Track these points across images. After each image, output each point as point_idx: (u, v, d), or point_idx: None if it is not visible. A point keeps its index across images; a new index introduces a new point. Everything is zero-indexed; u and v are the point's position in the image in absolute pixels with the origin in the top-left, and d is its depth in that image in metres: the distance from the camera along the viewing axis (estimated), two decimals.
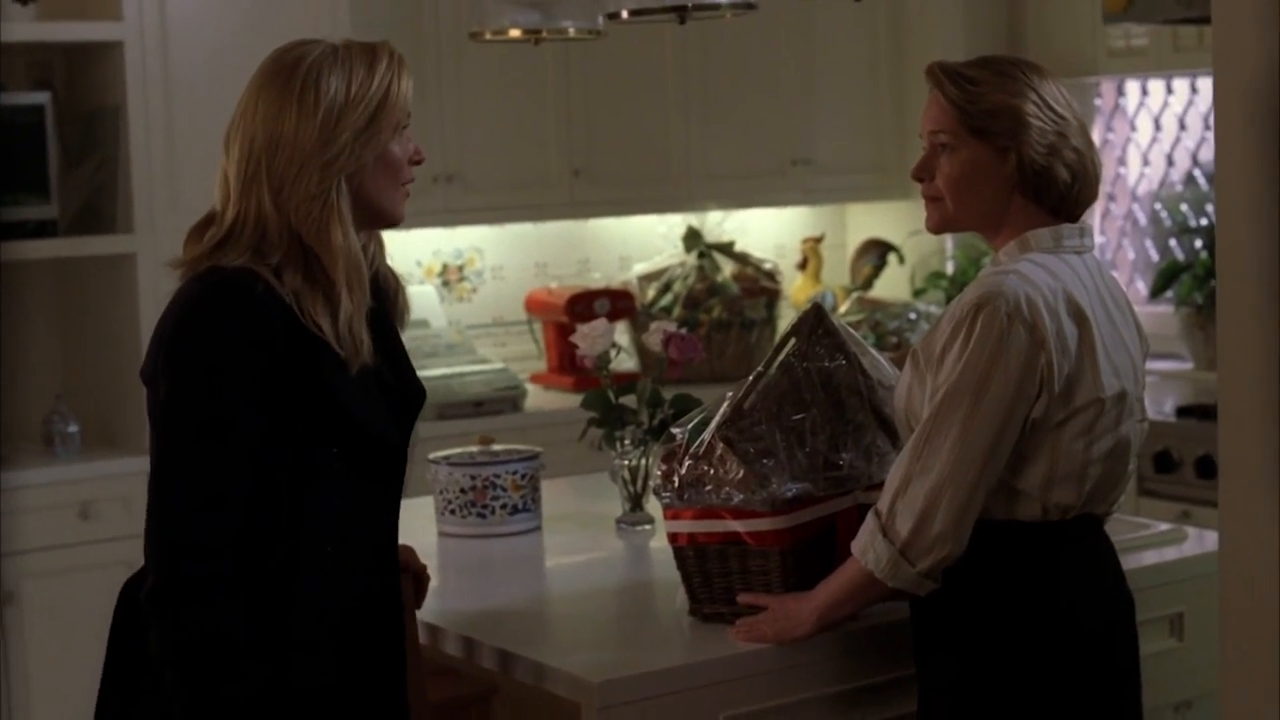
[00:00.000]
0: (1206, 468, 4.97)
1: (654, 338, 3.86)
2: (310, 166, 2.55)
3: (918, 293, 6.52)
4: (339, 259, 2.54)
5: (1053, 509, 2.83)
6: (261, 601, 2.50)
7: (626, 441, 3.81)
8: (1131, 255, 6.56)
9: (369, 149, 2.59)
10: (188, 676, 2.47)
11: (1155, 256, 6.49)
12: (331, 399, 2.55)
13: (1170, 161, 6.45)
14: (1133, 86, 6.53)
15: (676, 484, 3.06)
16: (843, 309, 6.36)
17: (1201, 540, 3.59)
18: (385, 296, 2.74)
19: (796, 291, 6.66)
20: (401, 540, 2.85)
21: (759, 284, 6.33)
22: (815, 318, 3.17)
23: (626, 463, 3.83)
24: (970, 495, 2.76)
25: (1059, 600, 2.84)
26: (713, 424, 3.06)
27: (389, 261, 2.78)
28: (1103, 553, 2.96)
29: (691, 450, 3.05)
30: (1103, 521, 2.97)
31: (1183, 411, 5.18)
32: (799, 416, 3.05)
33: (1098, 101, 6.56)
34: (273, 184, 2.56)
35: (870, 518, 2.84)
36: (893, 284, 6.65)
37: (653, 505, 3.84)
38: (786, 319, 6.51)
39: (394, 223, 2.68)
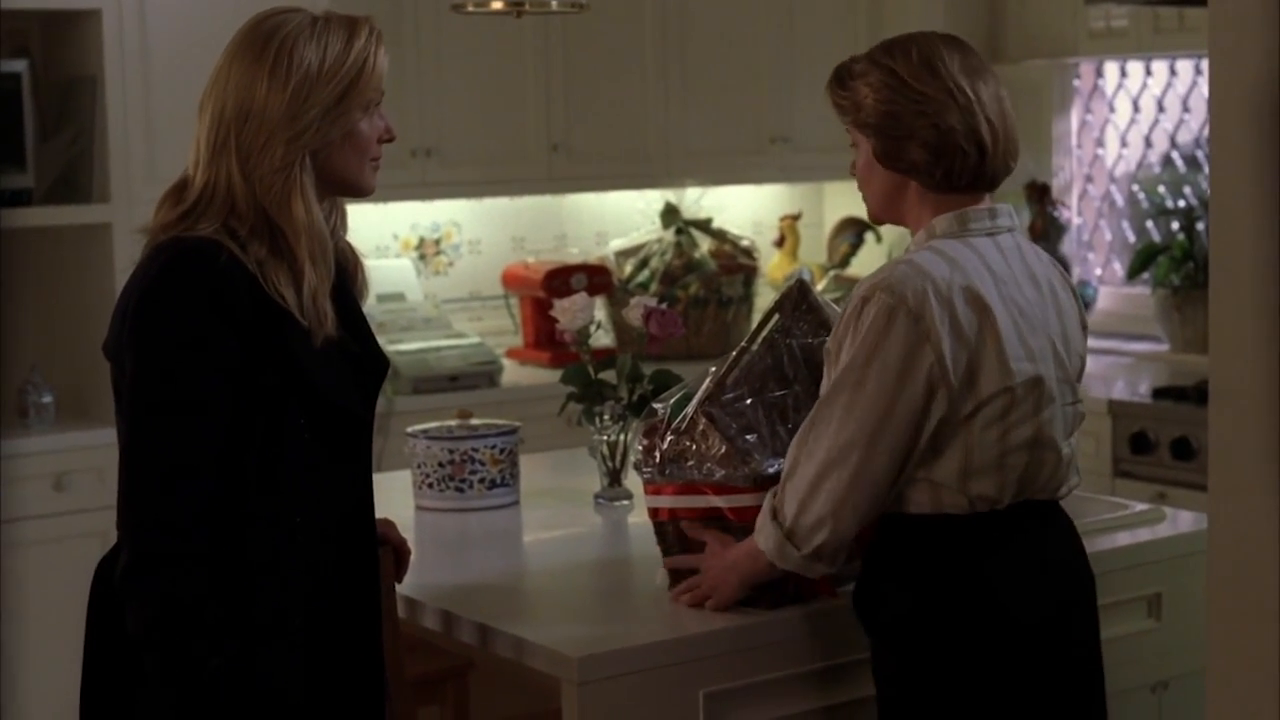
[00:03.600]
0: (1182, 449, 4.98)
1: (634, 313, 3.85)
2: (276, 139, 2.54)
3: None
4: (301, 232, 2.54)
5: (977, 501, 2.77)
6: (233, 573, 2.49)
7: (605, 417, 3.80)
8: (1109, 237, 6.56)
9: (336, 126, 2.58)
10: (164, 650, 2.47)
11: (1132, 238, 6.50)
12: (297, 369, 2.54)
13: (1148, 143, 6.45)
14: (1111, 68, 6.53)
15: (658, 459, 3.07)
16: (820, 286, 6.34)
17: (1178, 521, 3.59)
18: (345, 270, 2.73)
19: (774, 269, 6.65)
20: (379, 514, 2.85)
21: (736, 261, 6.32)
22: (799, 293, 3.15)
23: (605, 438, 3.82)
24: (852, 483, 2.74)
25: (988, 593, 2.78)
26: (695, 399, 3.06)
27: (349, 237, 2.78)
28: (1049, 541, 2.87)
29: (673, 426, 3.06)
30: (1051, 507, 2.89)
31: (1159, 393, 5.19)
32: (781, 393, 3.05)
33: (1076, 83, 6.56)
34: (240, 154, 2.55)
35: (767, 499, 2.87)
36: (870, 262, 6.63)
37: (631, 481, 3.84)
38: (764, 296, 6.50)
39: (364, 194, 2.67)
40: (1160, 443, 5.05)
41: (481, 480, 3.80)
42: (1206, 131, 6.20)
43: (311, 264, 2.54)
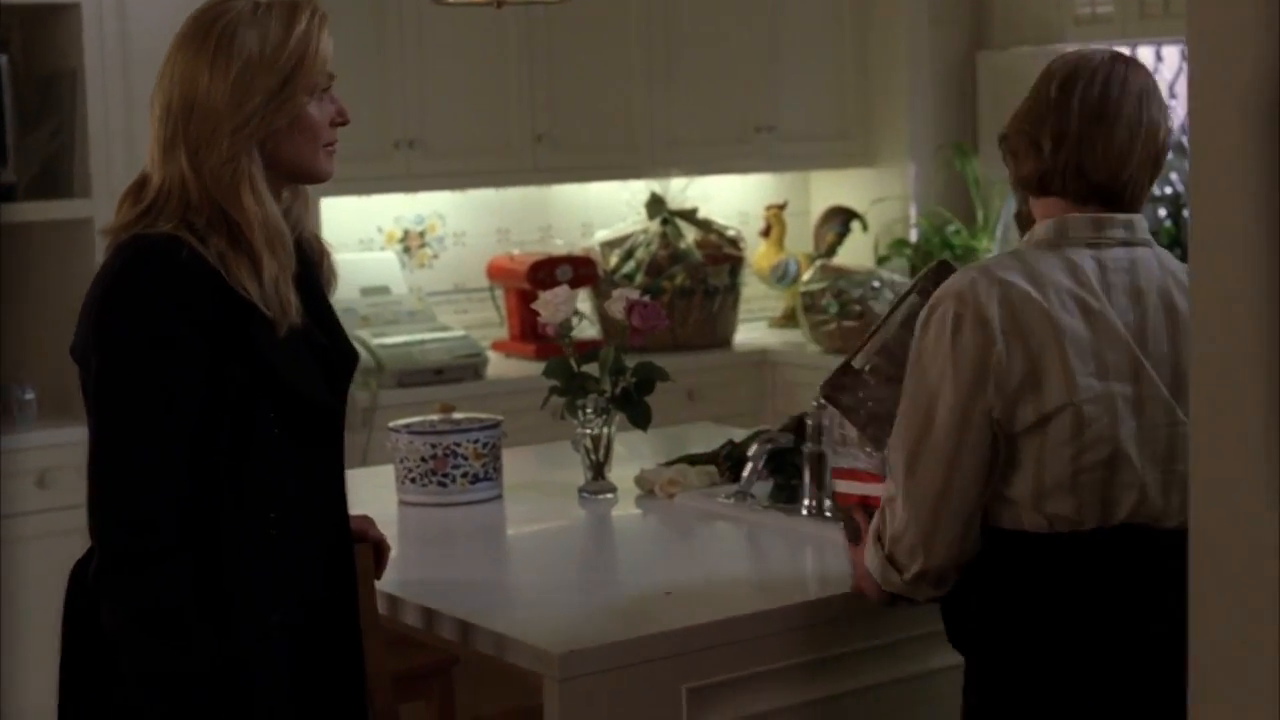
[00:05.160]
0: None
1: (617, 305, 3.83)
2: (222, 130, 2.52)
3: (881, 260, 6.50)
4: (253, 223, 2.51)
5: (1056, 520, 2.68)
6: (208, 572, 2.48)
7: (588, 410, 3.78)
8: None
9: (282, 113, 2.56)
10: (138, 650, 2.45)
11: None
12: (263, 362, 2.52)
13: None
14: None
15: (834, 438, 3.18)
16: (806, 276, 6.34)
17: None
18: (311, 261, 2.71)
19: (760, 259, 6.63)
20: (361, 509, 2.83)
21: (722, 251, 6.30)
22: (939, 273, 3.02)
23: (589, 431, 3.80)
24: (935, 507, 2.70)
25: (1061, 618, 2.70)
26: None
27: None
28: (1139, 572, 2.70)
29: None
30: (1157, 535, 2.70)
31: None
32: None
33: None
34: (189, 147, 2.53)
35: (876, 515, 2.85)
36: (856, 251, 6.62)
37: (615, 474, 3.83)
38: (750, 286, 6.49)
39: (320, 180, 2.65)
40: None
41: (464, 475, 3.78)
42: None
43: (270, 253, 2.52)
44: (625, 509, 3.76)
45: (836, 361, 5.93)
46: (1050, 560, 2.70)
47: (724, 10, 6.33)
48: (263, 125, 2.54)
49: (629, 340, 3.81)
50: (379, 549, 2.94)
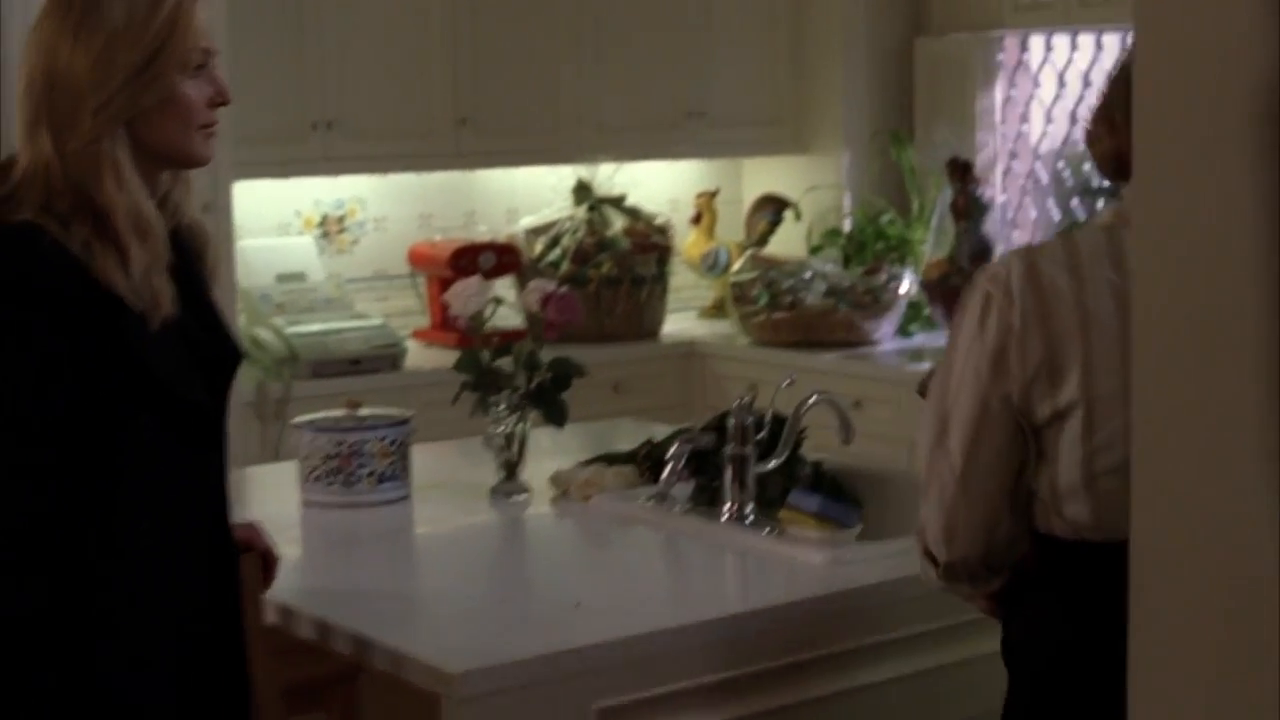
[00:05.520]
0: None
1: (531, 297, 3.65)
2: (84, 109, 2.33)
3: (814, 250, 6.34)
4: (117, 211, 2.32)
5: (1078, 526, 2.50)
6: (75, 584, 2.29)
7: (502, 407, 3.61)
8: (1034, 214, 6.40)
9: (150, 92, 2.37)
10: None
11: (1057, 216, 6.34)
12: (133, 358, 2.33)
13: (1074, 119, 6.29)
14: (1037, 41, 6.36)
15: None
16: (736, 266, 6.16)
17: None
18: (191, 251, 2.51)
19: (689, 247, 6.46)
20: (264, 508, 2.65)
21: (650, 239, 6.12)
22: None
23: (502, 429, 3.62)
24: (956, 496, 2.53)
25: (1062, 632, 2.54)
26: None
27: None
28: (1101, 591, 2.42)
29: None
30: None
31: None
32: None
33: (1001, 56, 6.38)
34: (52, 127, 2.34)
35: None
36: (788, 241, 6.46)
37: (530, 473, 3.65)
38: (679, 275, 6.32)
39: (195, 164, 2.47)
40: None
41: (370, 474, 3.59)
42: None
43: (139, 243, 2.32)
44: (538, 511, 3.58)
45: (767, 354, 5.86)
46: (1073, 570, 2.53)
47: None
48: (129, 105, 2.35)
49: (544, 334, 3.63)
50: (266, 558, 2.75)
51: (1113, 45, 6.13)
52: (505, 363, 3.64)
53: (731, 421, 3.36)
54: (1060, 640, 2.52)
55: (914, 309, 5.97)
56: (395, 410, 3.74)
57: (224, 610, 2.53)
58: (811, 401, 3.43)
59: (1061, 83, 6.32)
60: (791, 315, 5.84)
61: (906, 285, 5.89)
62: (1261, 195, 1.46)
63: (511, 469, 3.64)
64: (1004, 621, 2.64)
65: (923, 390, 2.73)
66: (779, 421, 3.48)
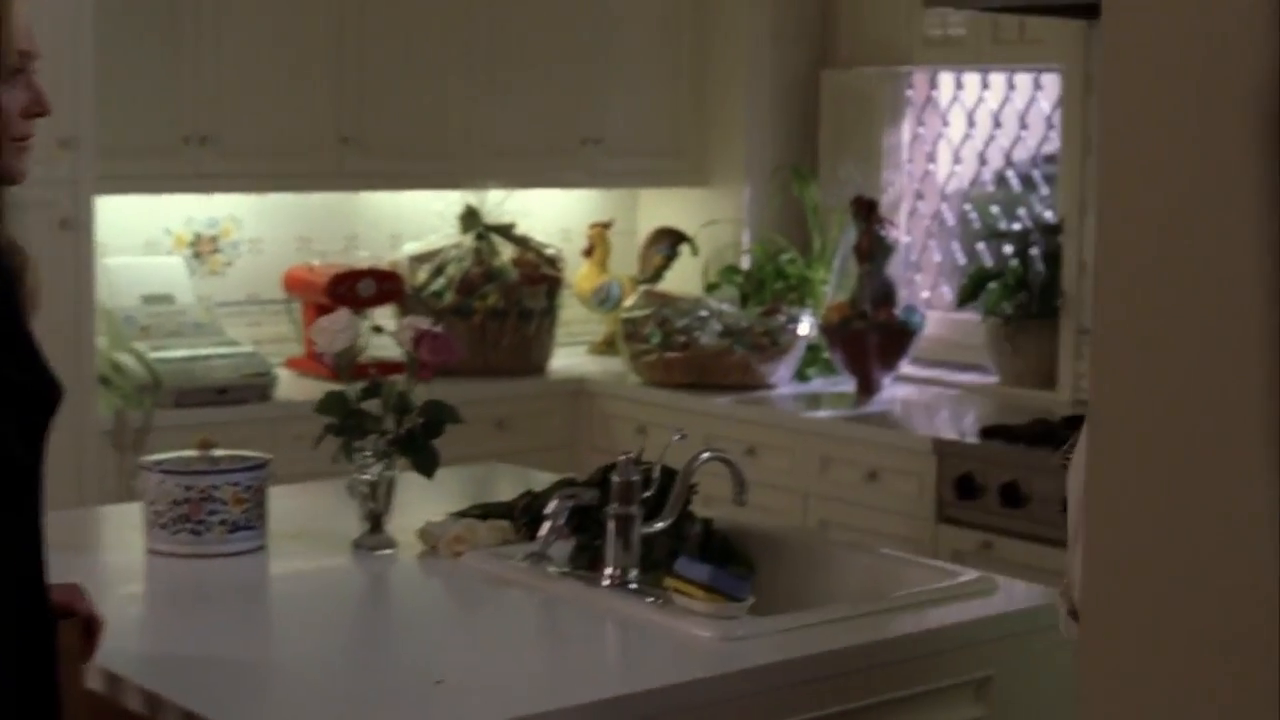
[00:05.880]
0: (1011, 495, 4.57)
1: (404, 335, 3.37)
2: None
3: (710, 288, 6.08)
4: None
5: None
6: None
7: (368, 453, 3.32)
8: (938, 258, 6.17)
9: None
10: None
11: (963, 260, 6.12)
12: None
13: (983, 160, 6.08)
14: (946, 79, 6.14)
15: None
16: (629, 302, 5.90)
17: (1011, 594, 3.17)
18: (8, 274, 2.21)
19: (581, 280, 6.19)
20: (108, 554, 2.35)
21: (540, 271, 5.84)
22: None
23: (367, 477, 3.33)
24: None
25: None
26: None
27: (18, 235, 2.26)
28: None
29: None
30: None
31: (987, 432, 4.78)
32: None
33: (909, 93, 6.16)
34: None
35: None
36: (684, 277, 6.21)
37: (397, 523, 3.37)
38: (569, 309, 6.05)
39: (9, 182, 2.17)
40: (988, 487, 4.64)
41: (222, 522, 3.29)
42: (1044, 149, 5.84)
43: None
44: (404, 568, 3.29)
45: (659, 395, 5.60)
46: None
47: (553, 11, 5.88)
48: None
49: (418, 374, 3.35)
50: (89, 624, 2.45)
51: (1025, 85, 5.92)
52: (374, 404, 3.35)
53: (616, 478, 3.09)
54: None
55: (812, 352, 5.73)
56: (252, 452, 3.44)
57: (38, 685, 2.23)
58: (704, 458, 3.17)
59: (971, 122, 6.10)
60: (685, 355, 5.58)
61: (806, 328, 5.65)
62: (1262, 196, 1.36)
63: (376, 520, 3.35)
64: None
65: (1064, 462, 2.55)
66: (668, 476, 3.21)
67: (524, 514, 3.43)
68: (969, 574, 3.22)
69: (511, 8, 5.78)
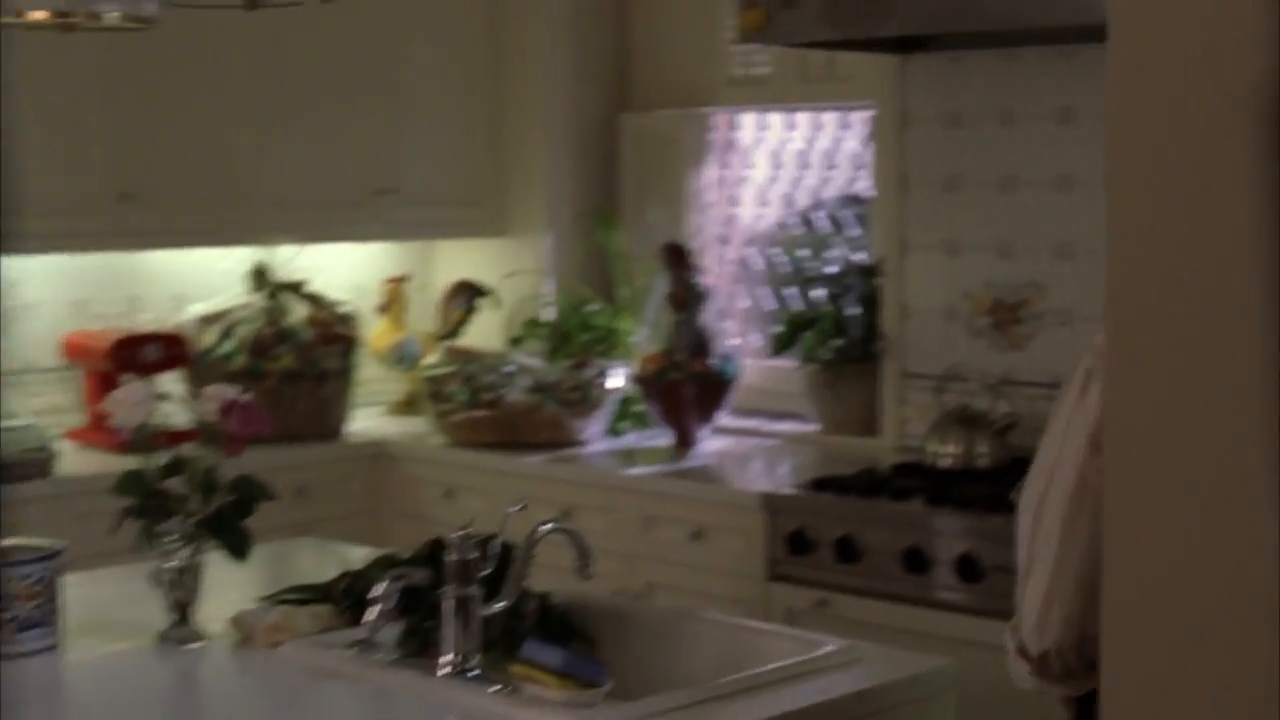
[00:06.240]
0: (846, 549, 4.37)
1: (208, 406, 3.07)
2: None
3: (514, 342, 5.83)
4: None
5: None
6: None
7: (173, 537, 3.01)
8: (745, 303, 5.98)
9: None
10: None
11: (772, 304, 5.94)
12: None
13: (789, 203, 5.90)
14: (749, 120, 5.97)
15: None
16: (430, 359, 5.62)
17: (877, 664, 2.96)
18: None
19: (377, 338, 5.90)
20: None
21: (335, 330, 5.55)
22: None
23: (173, 564, 3.03)
24: (1055, 574, 2.40)
25: None
26: None
27: None
28: None
29: None
30: None
31: (819, 484, 4.58)
32: None
33: (712, 135, 5.97)
34: None
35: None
36: (485, 332, 5.94)
37: (206, 611, 3.07)
38: (367, 369, 5.75)
39: None
40: (821, 541, 4.44)
41: (11, 620, 2.97)
42: (854, 188, 5.69)
43: None
44: (217, 662, 2.99)
45: (466, 456, 5.33)
46: None
47: (342, 57, 5.60)
48: None
49: (226, 450, 3.05)
50: None
51: (832, 125, 5.76)
52: (176, 481, 3.05)
53: (452, 556, 2.83)
54: None
55: (624, 406, 5.50)
56: (43, 540, 3.11)
57: None
58: (545, 530, 2.92)
59: (776, 164, 5.92)
60: (493, 414, 5.32)
61: (617, 380, 5.42)
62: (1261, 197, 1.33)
63: (184, 610, 3.05)
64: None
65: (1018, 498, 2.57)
66: (505, 549, 2.96)
67: (345, 596, 3.15)
68: (830, 644, 3.00)
69: (298, 52, 5.49)
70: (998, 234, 4.92)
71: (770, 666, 2.84)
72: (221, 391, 3.07)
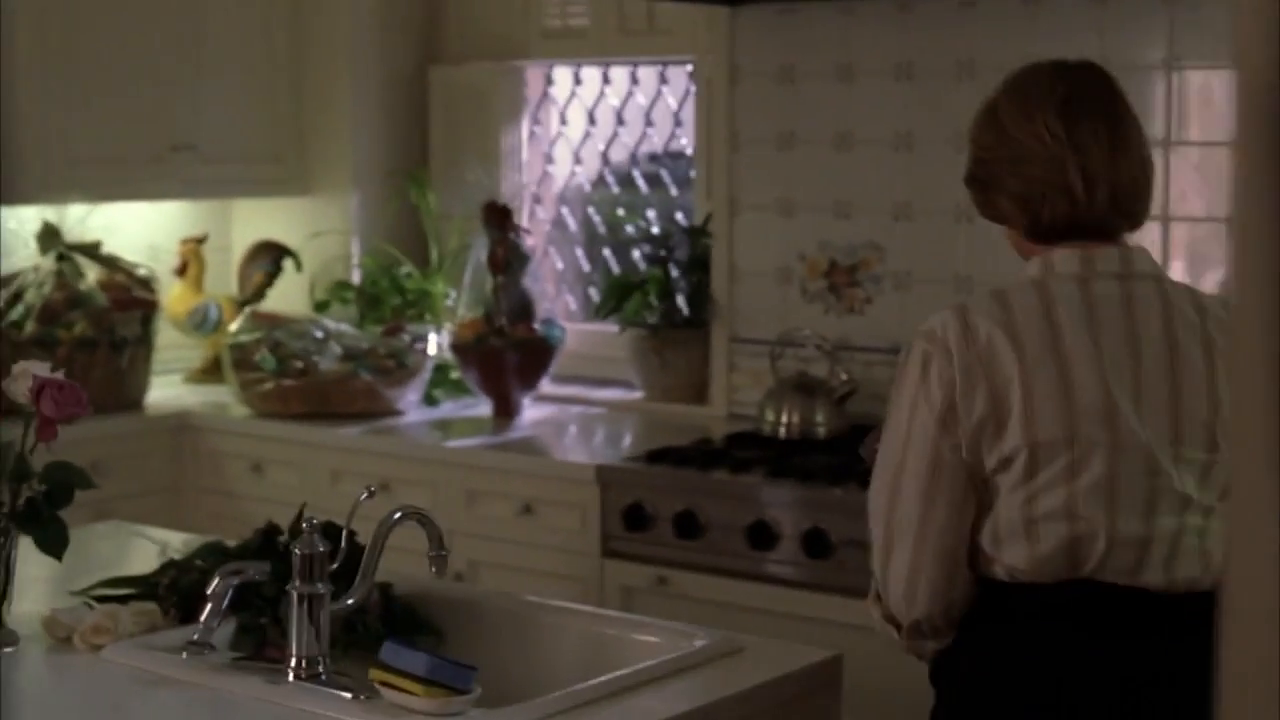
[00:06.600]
0: (687, 524, 4.17)
1: (19, 385, 2.77)
2: None
3: (320, 306, 5.55)
4: None
5: (1014, 570, 2.51)
6: None
7: None
8: (560, 265, 5.76)
9: None
10: None
11: (587, 267, 5.73)
12: None
13: (606, 160, 5.69)
14: (564, 74, 5.74)
15: None
16: (234, 326, 5.32)
17: (759, 655, 2.76)
18: None
19: (174, 302, 5.58)
20: None
21: (132, 294, 5.22)
22: None
23: None
24: (916, 548, 2.53)
25: (994, 667, 2.55)
26: None
27: None
28: (1104, 629, 2.48)
29: None
30: (1135, 596, 2.48)
31: (655, 456, 4.37)
32: None
33: (525, 90, 5.73)
34: None
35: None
36: (289, 295, 5.65)
37: (17, 611, 2.78)
38: (165, 334, 5.43)
39: None
40: (659, 516, 4.23)
41: None
42: (673, 146, 5.49)
43: None
44: (32, 669, 2.71)
45: (275, 427, 5.04)
46: (1009, 610, 2.54)
47: (134, 6, 5.25)
48: None
49: (40, 434, 2.76)
50: None
51: (649, 79, 5.55)
52: None
53: (299, 551, 2.57)
54: (995, 666, 2.54)
55: (440, 373, 5.25)
56: None
57: None
58: (396, 518, 2.68)
59: (592, 120, 5.70)
60: (303, 383, 5.04)
61: (433, 346, 5.17)
62: None
63: None
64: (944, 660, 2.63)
65: (869, 455, 2.71)
66: (352, 545, 2.71)
67: (172, 591, 2.88)
68: (702, 636, 2.79)
69: (88, 1, 5.14)
70: (833, 194, 4.75)
71: (645, 664, 2.63)
72: (31, 368, 2.78)
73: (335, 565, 2.61)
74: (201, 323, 5.60)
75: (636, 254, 5.52)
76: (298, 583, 2.57)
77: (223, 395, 5.34)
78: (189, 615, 2.80)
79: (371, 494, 2.71)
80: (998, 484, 2.50)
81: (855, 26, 4.67)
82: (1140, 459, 2.47)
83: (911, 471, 2.53)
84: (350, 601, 2.64)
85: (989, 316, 2.52)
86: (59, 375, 2.78)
